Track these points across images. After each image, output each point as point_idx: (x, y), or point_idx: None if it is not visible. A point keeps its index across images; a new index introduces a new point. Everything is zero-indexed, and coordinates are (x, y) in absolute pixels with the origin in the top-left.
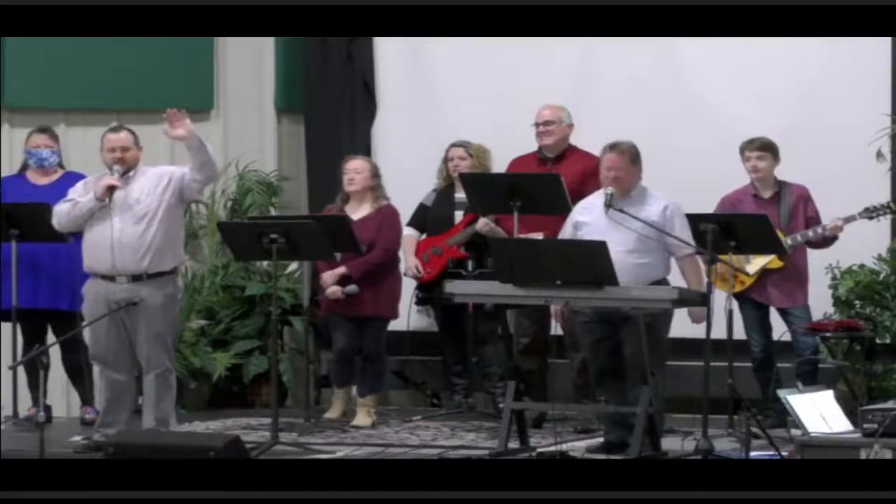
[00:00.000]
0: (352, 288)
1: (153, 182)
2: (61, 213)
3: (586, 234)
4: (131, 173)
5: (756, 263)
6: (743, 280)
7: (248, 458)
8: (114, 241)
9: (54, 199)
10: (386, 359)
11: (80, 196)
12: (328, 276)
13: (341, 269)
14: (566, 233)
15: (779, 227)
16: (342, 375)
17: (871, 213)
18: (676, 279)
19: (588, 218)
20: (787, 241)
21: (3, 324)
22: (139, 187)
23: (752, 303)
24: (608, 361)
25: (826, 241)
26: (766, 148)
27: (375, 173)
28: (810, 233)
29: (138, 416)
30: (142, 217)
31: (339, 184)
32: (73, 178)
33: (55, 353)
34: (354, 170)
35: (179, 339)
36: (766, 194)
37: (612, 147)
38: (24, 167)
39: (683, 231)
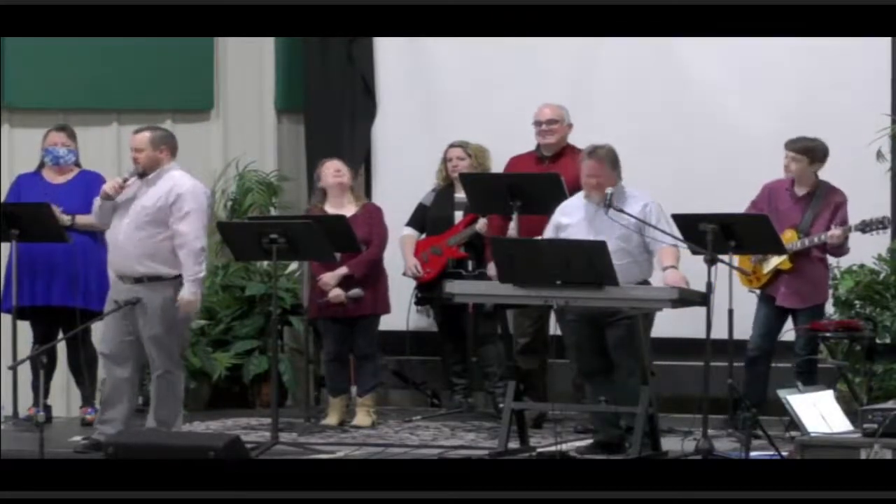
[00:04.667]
0: (356, 292)
1: (163, 192)
2: (92, 212)
3: (568, 237)
4: (151, 175)
5: (770, 262)
6: (760, 277)
7: (248, 458)
8: (120, 241)
9: (70, 198)
10: (380, 356)
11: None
12: (329, 278)
13: (342, 270)
14: (548, 235)
15: (798, 227)
16: (336, 381)
17: (865, 226)
18: (658, 281)
19: (569, 220)
20: (798, 244)
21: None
22: (153, 192)
23: (769, 300)
24: (594, 360)
25: (834, 249)
26: (804, 151)
27: (351, 170)
28: (816, 239)
29: (142, 415)
30: (146, 221)
31: None
32: (88, 176)
33: (62, 352)
34: (336, 169)
35: None
36: (801, 192)
37: (591, 154)
38: (41, 165)
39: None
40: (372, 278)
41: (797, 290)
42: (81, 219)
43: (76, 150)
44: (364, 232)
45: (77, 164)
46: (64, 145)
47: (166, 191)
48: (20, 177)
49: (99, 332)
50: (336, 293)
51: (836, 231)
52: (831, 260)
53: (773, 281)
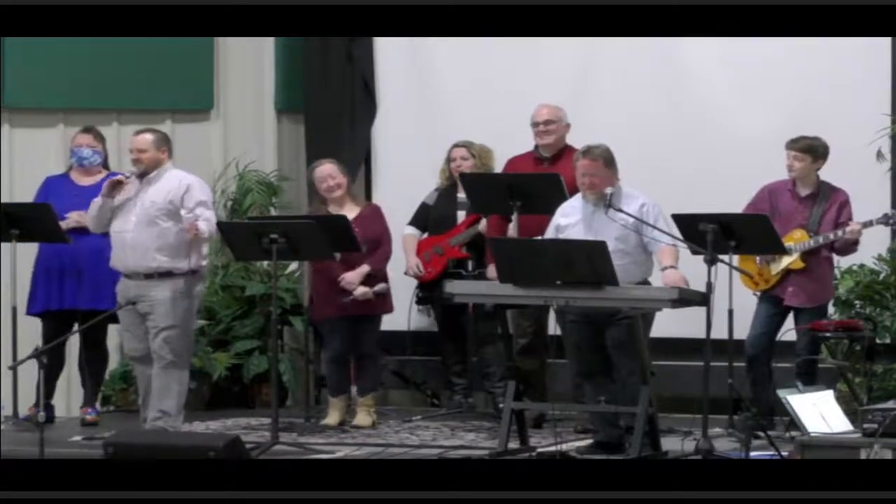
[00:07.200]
0: (382, 286)
1: (172, 185)
2: (89, 216)
3: (566, 237)
4: (152, 174)
5: (780, 263)
6: (768, 279)
7: (248, 458)
8: (128, 240)
9: None
10: (381, 356)
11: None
12: (354, 277)
13: (365, 268)
14: (548, 236)
15: (806, 226)
16: (337, 381)
17: (889, 219)
18: (657, 282)
19: (567, 221)
20: (810, 242)
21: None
22: (157, 189)
23: (772, 300)
24: (594, 360)
25: (848, 245)
26: (807, 150)
27: (345, 172)
28: (831, 235)
29: (135, 414)
30: (155, 218)
31: None
32: None
33: (72, 353)
34: (330, 176)
35: None
36: (804, 192)
37: (585, 153)
38: (70, 167)
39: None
40: (385, 276)
41: (806, 289)
42: None
43: (102, 151)
44: (375, 231)
45: (105, 165)
46: (89, 146)
47: (176, 184)
48: (48, 179)
49: (115, 337)
50: (363, 290)
51: (854, 226)
52: (834, 259)
53: (781, 281)
